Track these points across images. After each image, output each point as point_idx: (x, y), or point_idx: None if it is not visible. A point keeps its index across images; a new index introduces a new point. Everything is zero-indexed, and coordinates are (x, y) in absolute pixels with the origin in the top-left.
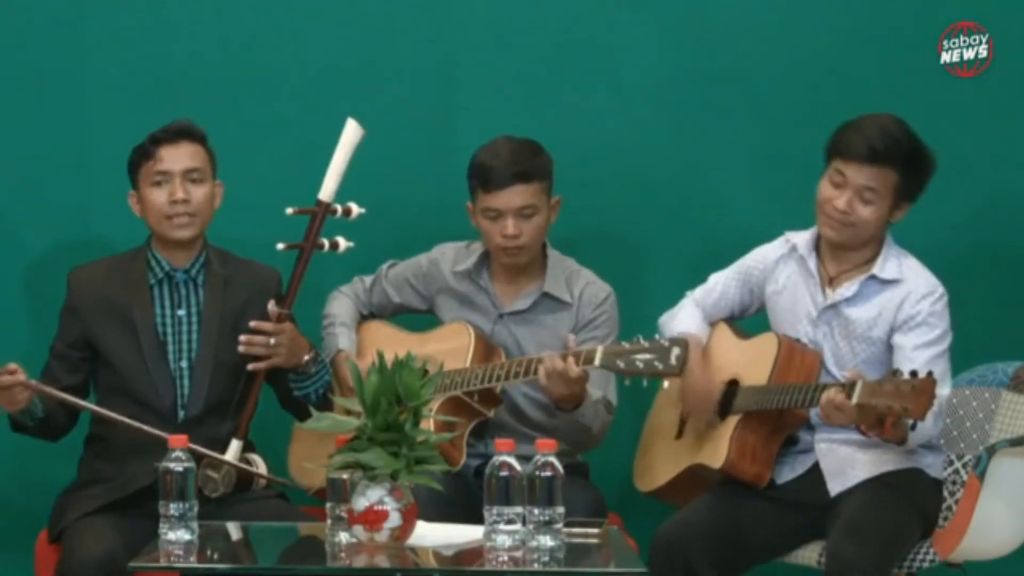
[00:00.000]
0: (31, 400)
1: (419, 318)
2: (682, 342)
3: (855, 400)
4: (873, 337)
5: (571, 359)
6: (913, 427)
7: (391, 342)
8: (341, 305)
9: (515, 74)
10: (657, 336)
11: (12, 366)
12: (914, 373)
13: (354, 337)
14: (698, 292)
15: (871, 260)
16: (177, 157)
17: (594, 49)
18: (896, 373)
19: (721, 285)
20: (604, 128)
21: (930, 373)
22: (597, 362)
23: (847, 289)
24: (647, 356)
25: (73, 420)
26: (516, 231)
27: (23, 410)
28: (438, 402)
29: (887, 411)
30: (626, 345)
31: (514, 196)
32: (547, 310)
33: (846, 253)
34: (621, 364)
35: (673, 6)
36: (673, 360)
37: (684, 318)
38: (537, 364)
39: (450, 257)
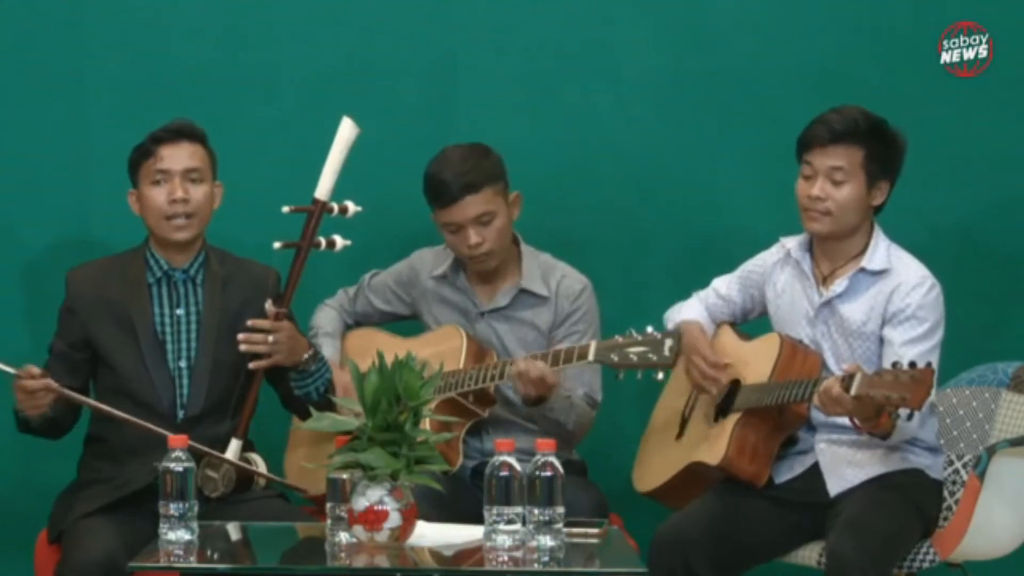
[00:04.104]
0: (53, 403)
1: (413, 325)
2: (675, 333)
3: (853, 392)
4: (868, 332)
5: (539, 363)
6: (910, 417)
7: (384, 347)
8: (325, 316)
9: (515, 74)
10: (650, 328)
11: (34, 369)
12: (913, 364)
13: (338, 346)
14: (702, 294)
15: (861, 253)
16: (177, 156)
17: (594, 49)
18: (895, 365)
19: (724, 289)
20: (604, 128)
21: (929, 364)
22: (591, 357)
23: (839, 285)
24: (640, 349)
25: (76, 419)
26: (479, 239)
27: (42, 413)
28: (434, 404)
29: (885, 401)
30: (619, 339)
31: (467, 208)
32: (526, 305)
33: (837, 248)
34: (615, 358)
35: (673, 6)
36: (667, 351)
37: (688, 310)
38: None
39: (428, 261)
